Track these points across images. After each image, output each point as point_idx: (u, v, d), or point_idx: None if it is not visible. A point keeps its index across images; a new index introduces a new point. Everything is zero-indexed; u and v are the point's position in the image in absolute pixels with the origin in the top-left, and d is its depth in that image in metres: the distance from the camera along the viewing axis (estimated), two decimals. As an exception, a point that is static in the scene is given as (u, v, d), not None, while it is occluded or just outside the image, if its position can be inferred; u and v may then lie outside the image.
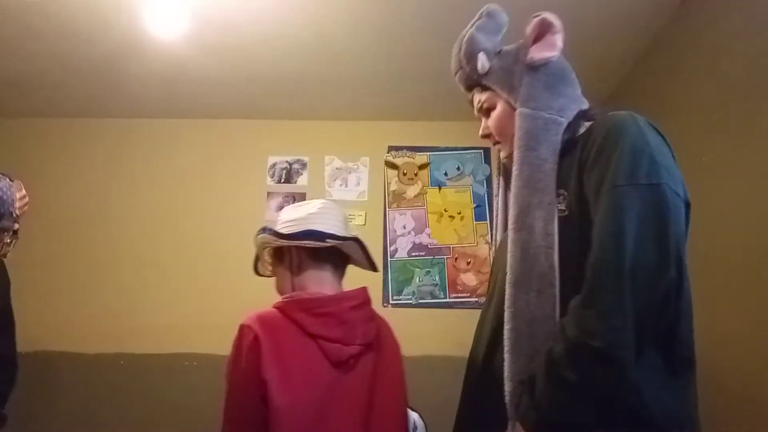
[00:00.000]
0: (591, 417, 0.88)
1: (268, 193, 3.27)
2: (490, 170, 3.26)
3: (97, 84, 2.91)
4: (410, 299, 3.08)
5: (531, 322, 0.96)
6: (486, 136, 1.25)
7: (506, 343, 0.97)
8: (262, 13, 2.32)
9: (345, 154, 3.31)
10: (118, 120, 3.30)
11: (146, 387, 2.93)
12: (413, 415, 1.91)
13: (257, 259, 1.53)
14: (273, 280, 1.52)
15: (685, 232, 0.94)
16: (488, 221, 3.17)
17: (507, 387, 0.96)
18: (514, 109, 1.14)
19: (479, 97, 1.26)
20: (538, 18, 1.23)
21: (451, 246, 3.15)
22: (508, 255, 1.03)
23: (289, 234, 1.35)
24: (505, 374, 0.96)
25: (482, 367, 1.10)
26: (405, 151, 3.30)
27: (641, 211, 0.89)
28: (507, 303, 0.99)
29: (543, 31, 1.23)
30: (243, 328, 1.20)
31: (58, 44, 2.55)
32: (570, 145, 1.06)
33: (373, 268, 1.49)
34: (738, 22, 1.87)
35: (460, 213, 3.20)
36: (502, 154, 1.23)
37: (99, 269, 3.12)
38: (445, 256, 3.13)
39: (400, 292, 3.09)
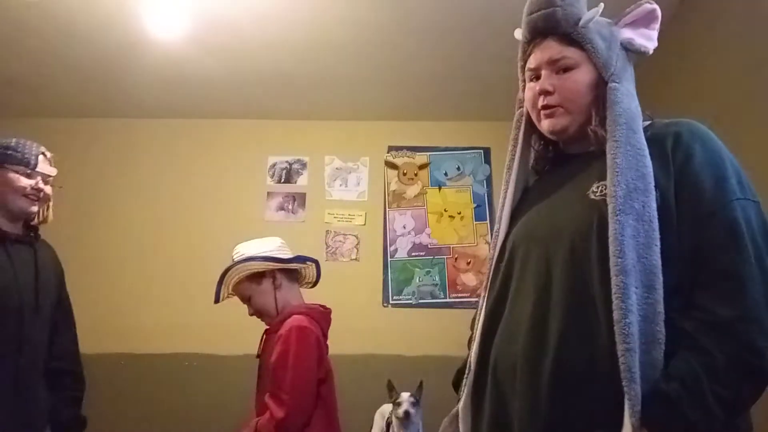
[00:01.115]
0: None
1: (268, 193, 3.27)
2: (490, 170, 3.26)
3: (97, 84, 2.91)
4: (410, 299, 3.08)
5: (644, 318, 0.88)
6: (545, 93, 1.05)
7: (623, 339, 0.86)
8: (262, 13, 2.32)
9: (345, 154, 3.31)
10: (119, 120, 3.30)
11: (147, 387, 2.93)
12: (404, 395, 2.05)
13: (221, 284, 1.88)
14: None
15: None
16: (488, 221, 3.17)
17: (630, 389, 0.85)
18: (604, 82, 1.03)
19: (560, 50, 1.05)
20: (652, 6, 1.08)
21: (451, 246, 3.15)
22: (617, 239, 0.90)
23: (287, 258, 1.83)
24: (625, 375, 0.86)
25: (530, 368, 0.99)
26: (405, 151, 3.30)
27: (759, 225, 0.90)
28: (617, 294, 0.88)
29: (649, 20, 1.09)
30: (306, 330, 1.65)
31: (58, 44, 2.55)
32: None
33: (315, 284, 1.95)
34: (737, 23, 1.88)
35: (460, 213, 3.20)
36: (553, 124, 1.06)
37: (98, 269, 3.12)
38: (445, 256, 3.13)
39: (400, 292, 3.09)
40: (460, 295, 3.07)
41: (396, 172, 3.27)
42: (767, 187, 1.68)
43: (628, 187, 0.92)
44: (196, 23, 2.37)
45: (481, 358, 1.11)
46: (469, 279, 3.09)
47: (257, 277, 1.80)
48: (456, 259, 3.12)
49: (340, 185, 3.27)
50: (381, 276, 3.10)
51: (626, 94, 1.03)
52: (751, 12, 1.80)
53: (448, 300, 3.07)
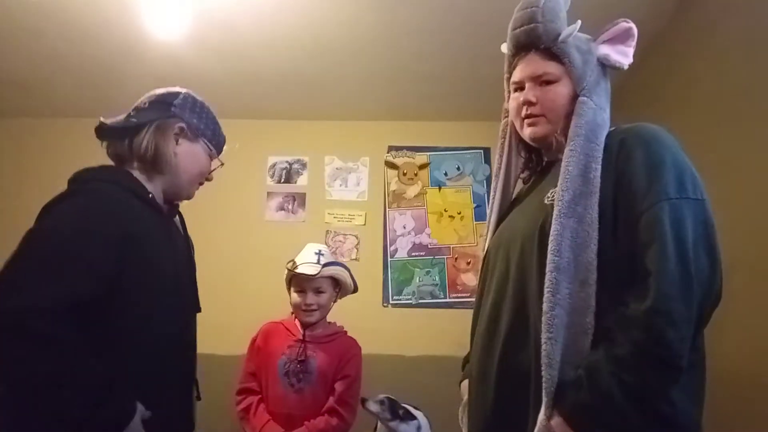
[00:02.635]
0: (635, 421, 0.89)
1: (268, 193, 3.27)
2: (490, 170, 3.25)
3: (97, 84, 2.91)
4: (410, 299, 3.08)
5: (571, 312, 0.95)
6: (529, 103, 1.14)
7: (547, 329, 0.94)
8: (262, 13, 2.32)
9: (345, 154, 3.31)
10: (118, 120, 3.30)
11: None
12: (418, 414, 2.01)
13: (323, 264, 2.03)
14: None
15: None
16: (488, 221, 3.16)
17: (546, 374, 0.93)
18: (576, 95, 1.11)
19: (542, 65, 1.13)
20: (628, 25, 1.23)
21: (451, 246, 3.15)
22: (556, 239, 0.97)
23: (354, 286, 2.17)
24: (543, 359, 0.94)
25: (500, 359, 1.07)
26: (405, 151, 3.30)
27: (694, 224, 0.94)
28: (549, 288, 0.95)
29: (626, 37, 1.22)
30: (358, 345, 2.12)
31: (58, 44, 2.55)
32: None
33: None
34: (737, 24, 1.88)
35: (460, 213, 3.20)
36: (535, 132, 1.15)
37: (99, 269, 3.12)
38: (445, 256, 3.13)
39: (400, 292, 3.10)
40: (460, 295, 3.08)
41: (396, 172, 3.28)
42: (766, 188, 1.68)
43: (574, 193, 1.00)
44: (196, 23, 2.37)
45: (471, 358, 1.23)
46: (469, 279, 3.09)
47: (337, 285, 2.08)
48: (456, 259, 3.13)
49: (340, 185, 3.27)
50: (381, 276, 3.11)
51: (593, 108, 1.09)
52: (750, 13, 1.80)
53: (448, 300, 3.07)
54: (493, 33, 2.48)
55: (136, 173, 1.29)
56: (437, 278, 3.10)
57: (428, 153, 3.29)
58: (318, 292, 2.01)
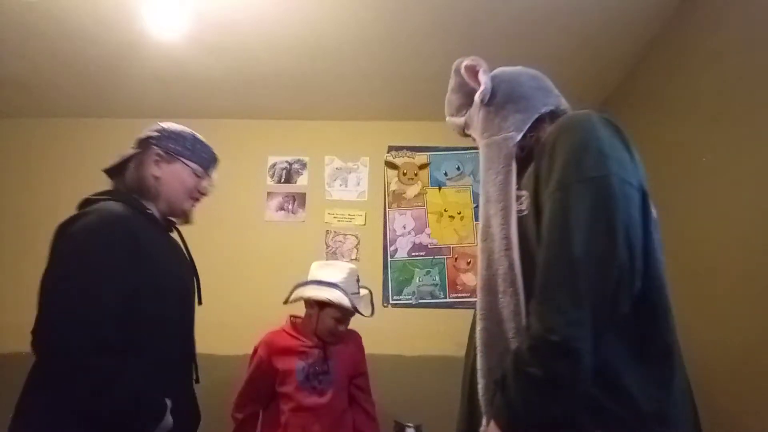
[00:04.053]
0: (558, 413, 0.89)
1: (268, 193, 3.27)
2: (490, 170, 3.25)
3: (97, 84, 2.91)
4: (410, 299, 3.08)
5: (499, 322, 1.00)
6: None
7: (478, 343, 1.02)
8: (262, 13, 2.32)
9: (345, 154, 3.31)
10: (118, 120, 3.30)
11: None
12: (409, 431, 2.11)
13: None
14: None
15: (642, 220, 0.95)
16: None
17: (480, 384, 0.99)
18: None
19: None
20: (461, 68, 1.32)
21: (451, 246, 3.15)
22: (478, 264, 1.09)
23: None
24: (478, 372, 1.00)
25: (471, 368, 1.12)
26: (405, 151, 3.30)
27: (589, 204, 0.91)
28: (478, 306, 1.06)
29: (472, 74, 1.28)
30: (359, 335, 2.21)
31: (58, 44, 2.55)
32: (534, 150, 1.10)
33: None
34: (737, 24, 1.88)
35: (460, 213, 3.20)
36: None
37: (99, 269, 3.12)
38: (445, 256, 3.13)
39: (400, 292, 3.09)
40: (460, 295, 3.07)
41: (396, 172, 3.27)
42: (766, 188, 1.68)
43: (485, 220, 1.12)
44: (196, 23, 2.37)
45: None
46: (469, 279, 3.09)
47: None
48: (456, 259, 3.12)
49: (340, 185, 3.27)
50: (381, 276, 3.11)
51: (484, 145, 1.20)
52: (751, 13, 1.80)
53: (448, 300, 3.07)
54: (492, 33, 2.49)
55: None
56: (437, 278, 3.10)
57: (428, 153, 3.29)
58: (345, 319, 2.09)
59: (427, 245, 3.16)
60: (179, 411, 1.35)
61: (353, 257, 3.14)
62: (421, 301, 3.08)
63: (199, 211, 3.26)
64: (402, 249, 3.16)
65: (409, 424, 2.03)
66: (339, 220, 3.20)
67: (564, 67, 2.72)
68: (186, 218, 1.63)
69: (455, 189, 3.24)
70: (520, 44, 2.53)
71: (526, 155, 1.12)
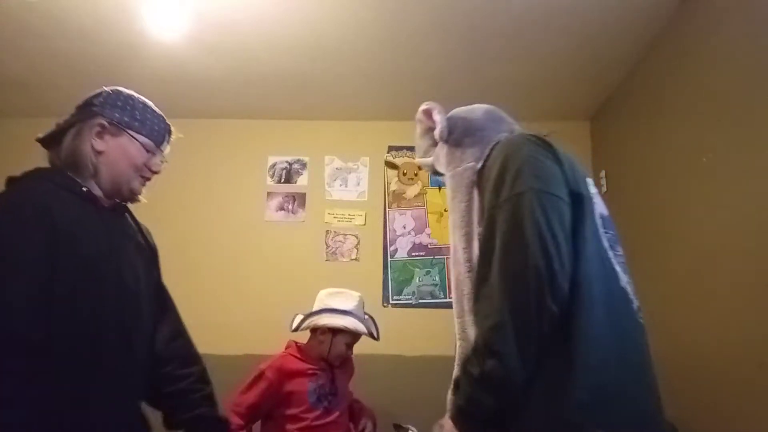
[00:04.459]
0: (493, 407, 1.00)
1: (268, 193, 3.27)
2: (490, 170, 3.25)
3: (97, 84, 2.87)
4: (410, 299, 3.08)
5: (468, 339, 1.10)
6: None
7: (456, 359, 1.13)
8: (262, 13, 2.32)
9: (345, 154, 3.31)
10: (118, 120, 3.30)
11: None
12: None
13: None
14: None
15: (574, 224, 1.03)
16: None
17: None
18: None
19: None
20: (420, 114, 1.38)
21: (451, 246, 3.15)
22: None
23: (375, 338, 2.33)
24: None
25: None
26: (405, 151, 3.30)
27: (505, 224, 1.02)
28: (455, 329, 1.16)
29: (428, 116, 1.35)
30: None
31: (58, 44, 2.55)
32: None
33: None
34: (737, 24, 1.87)
35: (460, 213, 3.20)
36: None
37: (99, 269, 3.12)
38: (445, 256, 3.13)
39: (400, 292, 3.09)
40: (460, 295, 3.07)
41: (396, 172, 3.27)
42: (766, 188, 1.68)
43: (453, 247, 1.21)
44: (196, 23, 2.37)
45: None
46: (469, 279, 3.09)
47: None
48: (456, 259, 3.12)
49: (340, 185, 3.27)
50: (381, 276, 3.11)
51: (448, 177, 1.29)
52: (751, 13, 1.79)
53: (448, 300, 3.06)
54: (492, 33, 2.49)
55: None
56: (437, 278, 3.10)
57: (428, 153, 3.29)
58: (351, 345, 2.26)
59: (427, 245, 3.16)
60: (89, 428, 1.14)
61: (353, 257, 3.14)
62: (421, 301, 3.08)
63: (200, 210, 3.27)
64: (402, 249, 3.16)
65: (409, 427, 2.02)
66: (339, 220, 3.20)
67: (564, 68, 2.72)
68: (133, 198, 1.37)
69: (455, 189, 3.24)
70: (519, 44, 2.53)
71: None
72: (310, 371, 2.13)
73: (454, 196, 1.22)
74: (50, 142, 1.31)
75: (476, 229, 1.13)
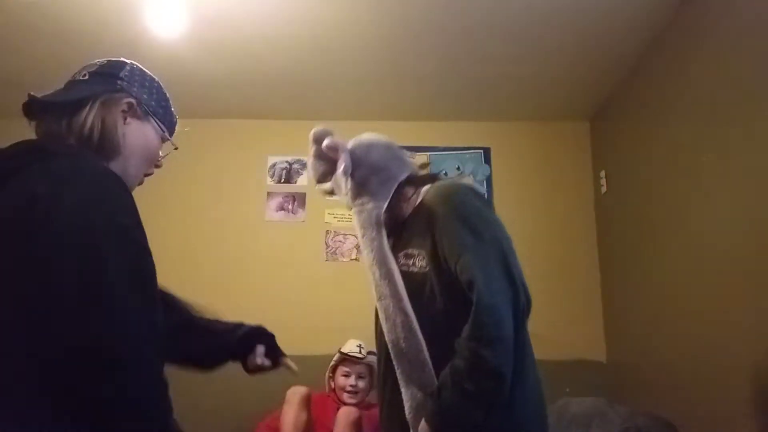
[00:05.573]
0: (479, 418, 1.11)
1: (268, 193, 3.27)
2: (490, 170, 3.25)
3: (97, 84, 2.90)
4: (410, 299, 3.08)
5: (409, 360, 1.21)
6: None
7: (400, 381, 1.23)
8: (262, 13, 2.32)
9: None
10: (118, 120, 3.30)
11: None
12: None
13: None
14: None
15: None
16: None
17: (405, 404, 1.21)
18: None
19: None
20: (322, 146, 1.45)
21: (451, 246, 3.14)
22: (380, 318, 1.28)
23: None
24: (404, 399, 1.21)
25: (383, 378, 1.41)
26: (404, 151, 3.29)
27: (493, 260, 1.15)
28: (392, 355, 1.24)
29: (333, 151, 1.42)
30: None
31: (58, 44, 2.55)
32: (409, 210, 1.36)
33: None
34: (737, 24, 1.87)
35: (460, 213, 3.20)
36: None
37: (99, 269, 3.11)
38: (445, 256, 3.13)
39: (400, 292, 3.09)
40: (460, 295, 3.07)
41: (396, 172, 3.27)
42: (766, 187, 1.68)
43: (375, 280, 1.31)
44: (196, 23, 2.37)
45: None
46: (469, 279, 3.09)
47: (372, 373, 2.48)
48: (456, 259, 3.12)
49: (340, 185, 3.27)
50: (381, 276, 3.10)
51: (356, 212, 1.37)
52: (752, 13, 1.79)
53: (448, 300, 3.06)
54: (492, 33, 2.49)
55: None
56: (437, 278, 3.10)
57: (428, 153, 3.29)
58: (360, 377, 2.49)
59: (427, 245, 3.15)
60: None
61: (353, 257, 3.14)
62: (421, 301, 3.07)
63: (199, 210, 3.27)
64: (402, 249, 3.16)
65: None
66: (339, 220, 3.20)
67: (564, 68, 2.72)
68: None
69: (455, 189, 3.24)
70: (519, 44, 2.53)
71: (398, 216, 1.36)
72: (334, 410, 2.45)
73: (364, 233, 1.31)
74: (49, 109, 1.10)
75: (395, 265, 1.26)
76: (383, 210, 1.31)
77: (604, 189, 2.97)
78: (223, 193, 3.28)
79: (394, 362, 1.24)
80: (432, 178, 1.44)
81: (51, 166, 0.90)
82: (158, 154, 1.19)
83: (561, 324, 2.90)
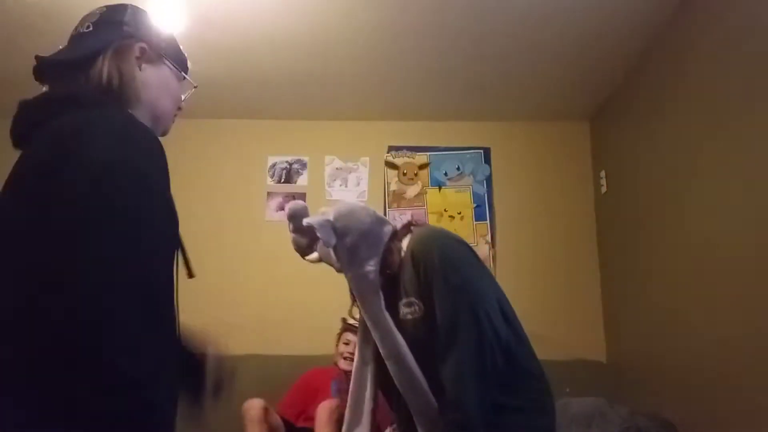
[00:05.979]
0: None
1: (268, 193, 3.27)
2: (490, 170, 3.25)
3: (97, 84, 2.90)
4: (410, 299, 3.08)
5: (417, 397, 1.31)
6: None
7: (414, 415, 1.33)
8: (262, 13, 2.32)
9: (345, 154, 3.31)
10: (118, 120, 3.30)
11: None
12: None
13: None
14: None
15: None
16: (488, 221, 3.17)
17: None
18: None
19: None
20: (301, 225, 1.45)
21: (451, 246, 3.14)
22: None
23: None
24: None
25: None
26: (405, 151, 3.30)
27: (467, 306, 1.27)
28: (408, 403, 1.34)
29: (310, 232, 1.44)
30: None
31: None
32: (398, 262, 1.44)
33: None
34: (736, 24, 1.88)
35: (460, 213, 3.20)
36: None
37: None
38: (445, 256, 3.13)
39: (400, 292, 3.09)
40: (460, 295, 3.07)
41: (396, 172, 3.27)
42: (765, 187, 1.68)
43: (368, 340, 1.49)
44: (196, 23, 2.37)
45: None
46: (469, 279, 3.09)
47: None
48: (456, 259, 3.12)
49: (340, 185, 3.27)
50: (381, 276, 3.10)
51: (350, 279, 1.47)
52: (751, 12, 1.79)
53: (448, 300, 3.06)
54: (492, 33, 2.49)
55: None
56: (437, 278, 3.10)
57: (428, 153, 3.29)
58: None
59: (427, 245, 3.15)
60: None
61: (353, 257, 3.14)
62: (421, 301, 3.07)
63: (199, 210, 3.27)
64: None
65: None
66: (339, 220, 3.20)
67: (564, 68, 2.72)
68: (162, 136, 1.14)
69: (455, 189, 3.24)
70: (519, 44, 2.53)
71: (390, 270, 1.43)
72: (333, 377, 2.61)
73: (364, 298, 1.40)
74: (63, 68, 1.07)
75: (390, 321, 1.37)
76: (378, 272, 1.39)
77: (604, 189, 2.97)
78: (223, 193, 3.28)
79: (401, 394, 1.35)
80: (408, 227, 1.52)
81: (78, 118, 0.88)
82: (179, 95, 1.18)
83: (561, 324, 2.90)
